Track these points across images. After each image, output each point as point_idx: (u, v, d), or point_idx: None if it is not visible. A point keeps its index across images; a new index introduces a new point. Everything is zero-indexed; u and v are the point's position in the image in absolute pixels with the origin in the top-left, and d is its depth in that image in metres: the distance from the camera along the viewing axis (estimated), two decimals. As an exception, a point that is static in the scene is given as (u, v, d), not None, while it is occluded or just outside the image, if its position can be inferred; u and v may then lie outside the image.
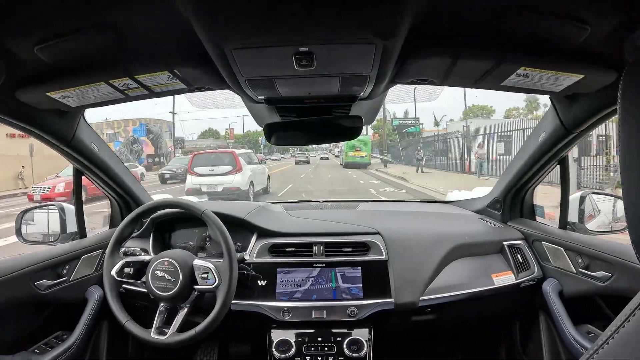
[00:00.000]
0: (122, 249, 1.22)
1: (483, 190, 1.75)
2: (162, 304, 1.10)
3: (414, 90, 1.09)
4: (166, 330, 1.06)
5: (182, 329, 1.07)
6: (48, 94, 0.87)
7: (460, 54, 0.77)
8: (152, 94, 0.94)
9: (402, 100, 1.18)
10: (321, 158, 34.24)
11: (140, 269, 1.14)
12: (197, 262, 1.10)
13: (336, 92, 0.93)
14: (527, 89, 0.93)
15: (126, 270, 1.13)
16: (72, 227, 1.41)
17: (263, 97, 0.97)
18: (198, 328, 1.05)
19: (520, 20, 0.67)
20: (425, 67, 0.84)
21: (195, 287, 1.08)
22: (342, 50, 0.71)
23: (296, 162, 25.46)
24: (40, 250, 1.27)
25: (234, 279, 1.07)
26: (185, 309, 1.08)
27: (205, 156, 8.93)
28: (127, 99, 0.95)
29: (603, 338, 0.38)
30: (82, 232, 1.39)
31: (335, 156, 33.56)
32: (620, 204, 1.38)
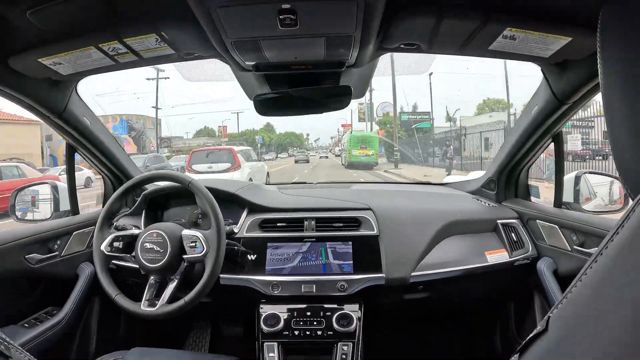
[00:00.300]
0: (113, 225, 1.22)
1: (479, 174, 1.74)
2: (152, 277, 1.09)
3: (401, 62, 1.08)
4: (156, 302, 1.05)
5: (171, 301, 1.06)
6: (40, 60, 0.88)
7: (444, 12, 0.77)
8: (141, 60, 0.94)
9: (392, 72, 1.17)
10: (320, 157, 33.77)
11: (130, 242, 1.13)
12: (185, 232, 1.10)
13: (322, 57, 0.93)
14: (516, 54, 0.92)
15: (115, 244, 1.12)
16: (65, 205, 1.42)
17: (251, 64, 0.97)
18: (187, 297, 1.04)
19: None
20: (411, 29, 0.83)
21: (184, 256, 1.08)
22: (325, 7, 0.70)
23: (296, 161, 25.44)
24: (31, 225, 1.28)
25: (222, 246, 1.07)
26: (175, 281, 1.08)
27: (203, 153, 9.00)
28: (118, 65, 0.96)
29: (570, 286, 0.37)
30: (74, 209, 1.40)
31: (336, 155, 31.86)
32: (616, 184, 1.36)
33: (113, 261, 1.26)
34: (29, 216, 1.42)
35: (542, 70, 1.07)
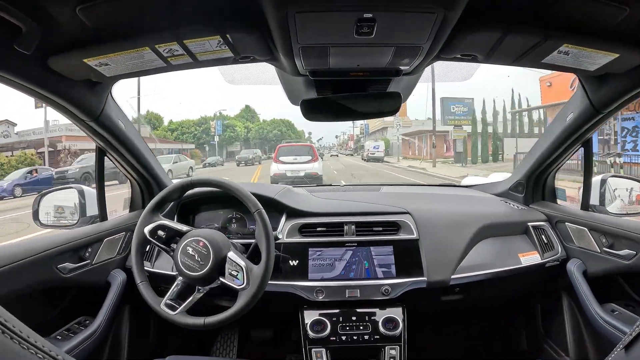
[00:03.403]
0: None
1: (499, 176, 1.78)
2: (181, 278, 1.06)
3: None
4: (177, 307, 1.02)
5: (193, 308, 1.03)
6: (85, 60, 0.83)
7: (509, 29, 0.79)
8: (195, 62, 0.90)
9: (436, 79, 1.19)
10: (331, 155, 32.81)
11: (173, 237, 1.09)
12: (232, 255, 1.04)
13: (385, 65, 0.93)
14: (564, 67, 0.95)
15: (159, 232, 1.08)
16: (91, 210, 1.37)
17: (310, 69, 0.96)
18: (207, 320, 1.00)
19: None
20: (475, 41, 0.85)
21: (221, 279, 1.03)
22: (404, 18, 0.71)
23: None
24: (60, 233, 1.23)
25: (263, 287, 1.01)
26: (202, 294, 1.05)
27: (288, 148, 11.10)
28: (168, 67, 0.92)
29: None
30: (103, 215, 1.35)
31: (367, 159, 25.15)
32: (636, 186, 1.42)
33: (147, 268, 1.23)
34: (54, 222, 1.37)
35: (580, 80, 1.11)
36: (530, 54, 0.88)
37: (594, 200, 1.39)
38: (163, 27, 0.77)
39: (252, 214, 1.06)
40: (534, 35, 0.80)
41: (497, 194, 1.63)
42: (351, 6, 0.66)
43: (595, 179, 1.39)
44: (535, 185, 1.50)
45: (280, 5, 0.65)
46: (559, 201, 1.52)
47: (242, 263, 1.02)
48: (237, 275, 1.01)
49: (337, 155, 32.53)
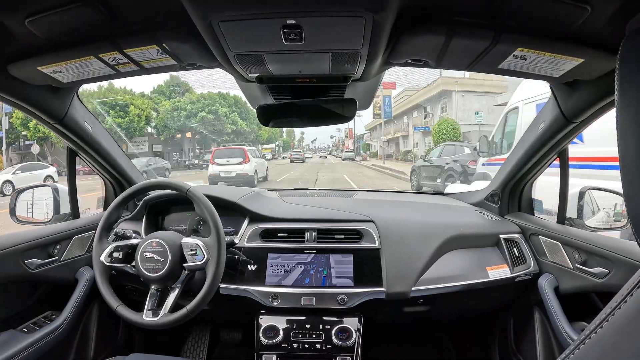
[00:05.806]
0: (113, 232, 1.20)
1: (481, 184, 1.72)
2: (153, 287, 1.08)
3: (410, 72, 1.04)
4: (158, 312, 1.04)
5: (173, 310, 1.05)
6: (39, 68, 0.87)
7: (454, 32, 0.75)
8: (142, 70, 0.93)
9: (398, 84, 1.16)
10: (320, 157, 32.57)
11: (130, 252, 1.12)
12: (185, 240, 1.09)
13: (328, 71, 0.92)
14: (526, 73, 0.91)
15: (115, 254, 1.11)
16: (65, 208, 1.41)
17: (255, 76, 0.96)
18: (189, 306, 1.03)
19: None
20: (419, 46, 0.82)
21: (185, 265, 1.07)
22: (331, 23, 0.69)
23: (292, 160, 24.98)
24: (31, 229, 1.27)
25: (222, 254, 1.06)
26: (177, 290, 1.07)
27: (223, 151, 12.12)
28: (118, 74, 0.95)
29: (587, 332, 0.36)
30: (75, 213, 1.39)
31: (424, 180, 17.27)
32: (620, 200, 1.35)
33: (109, 264, 1.26)
34: (30, 218, 1.42)
35: (550, 88, 1.06)
36: (484, 59, 0.84)
37: (572, 212, 1.33)
38: (103, 37, 0.80)
39: (185, 195, 1.12)
40: (482, 40, 0.77)
41: (473, 204, 1.59)
42: (273, 13, 0.65)
43: (574, 191, 1.33)
44: (511, 195, 1.45)
45: (202, 15, 0.65)
46: (536, 213, 1.46)
47: (196, 241, 1.08)
48: (196, 252, 1.07)
49: (326, 157, 31.04)
